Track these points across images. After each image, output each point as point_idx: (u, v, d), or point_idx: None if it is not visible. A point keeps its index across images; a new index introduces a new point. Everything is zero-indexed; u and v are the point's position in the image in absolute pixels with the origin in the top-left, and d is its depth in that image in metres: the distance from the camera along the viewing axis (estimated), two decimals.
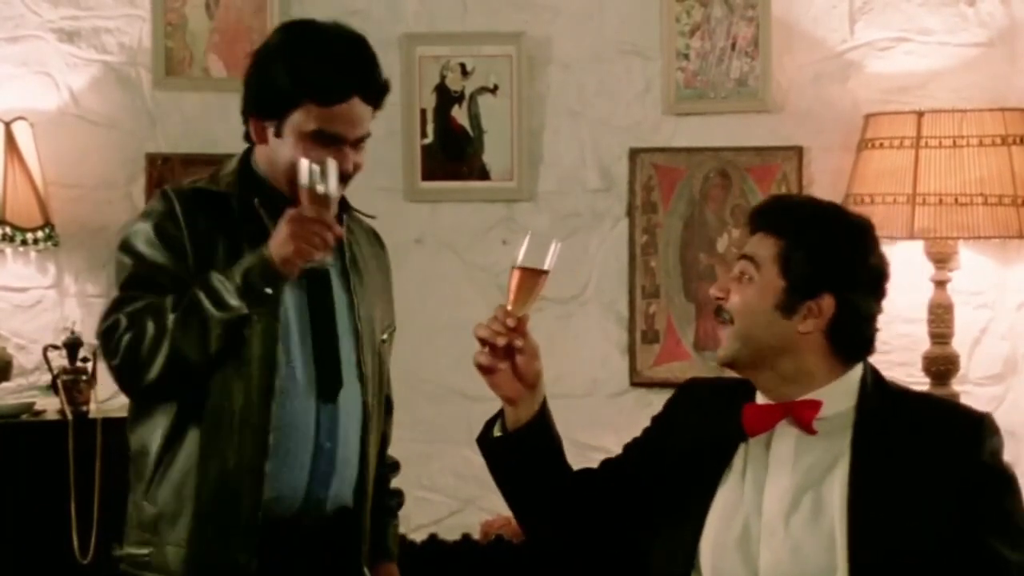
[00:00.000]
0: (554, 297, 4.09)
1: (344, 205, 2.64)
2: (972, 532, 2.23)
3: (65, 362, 3.86)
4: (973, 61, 4.01)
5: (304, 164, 2.46)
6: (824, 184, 4.01)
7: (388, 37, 4.02)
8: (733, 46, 4.07)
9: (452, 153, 4.10)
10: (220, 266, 2.51)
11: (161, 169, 4.08)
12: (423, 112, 4.08)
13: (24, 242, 3.91)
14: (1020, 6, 4.00)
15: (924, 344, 3.89)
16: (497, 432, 2.41)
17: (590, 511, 2.45)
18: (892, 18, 4.05)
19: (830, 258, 2.32)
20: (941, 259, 3.87)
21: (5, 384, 3.93)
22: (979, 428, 2.30)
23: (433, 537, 3.87)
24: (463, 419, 4.03)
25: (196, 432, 2.53)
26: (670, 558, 2.34)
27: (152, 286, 2.51)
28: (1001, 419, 3.72)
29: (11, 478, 3.71)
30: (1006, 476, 2.30)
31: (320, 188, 2.45)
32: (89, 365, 3.87)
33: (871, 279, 2.35)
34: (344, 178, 2.55)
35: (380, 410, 2.73)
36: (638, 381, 4.09)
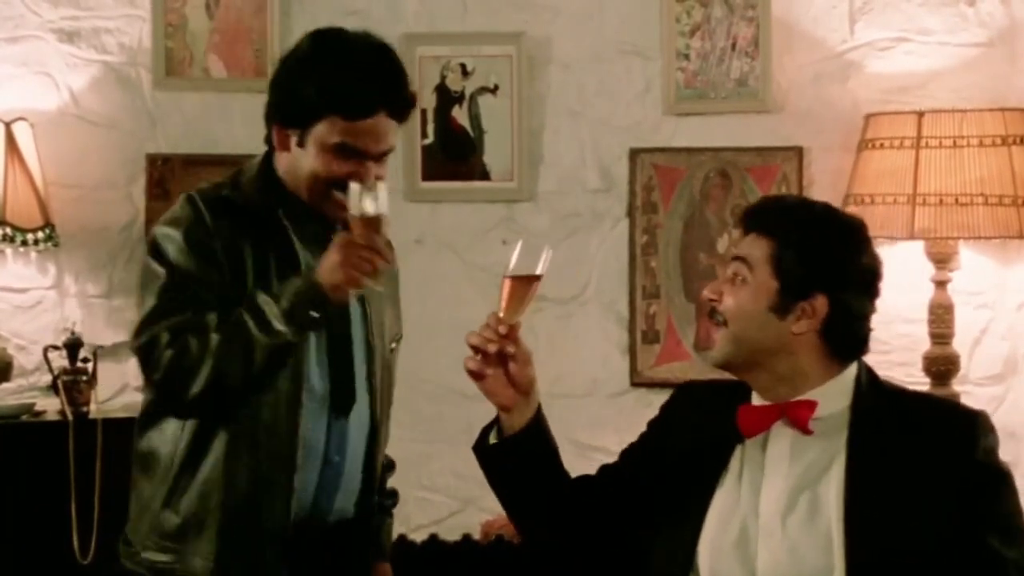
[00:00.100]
0: (554, 297, 4.09)
1: None
2: (968, 530, 2.23)
3: (65, 363, 3.86)
4: (973, 61, 4.01)
5: (355, 188, 2.43)
6: (824, 184, 4.01)
7: (388, 37, 3.94)
8: (733, 46, 4.07)
9: (452, 153, 4.10)
10: (250, 274, 2.50)
11: (161, 169, 4.09)
12: (423, 112, 4.08)
13: (24, 242, 3.91)
14: (1020, 6, 4.00)
15: (924, 344, 3.89)
16: (493, 439, 2.41)
17: (588, 516, 2.45)
18: (892, 18, 4.05)
19: (822, 258, 2.32)
20: (941, 259, 3.87)
21: (5, 385, 3.93)
22: (974, 426, 2.30)
23: (433, 537, 3.87)
24: (463, 419, 4.03)
25: (221, 442, 2.51)
26: (668, 560, 2.34)
27: (188, 295, 2.48)
28: (1001, 419, 3.74)
29: (11, 479, 3.72)
30: (1002, 474, 2.30)
31: (370, 211, 2.42)
32: (89, 366, 3.87)
33: (864, 278, 2.35)
34: None
35: (387, 423, 2.73)
36: (638, 381, 4.09)
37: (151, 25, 4.12)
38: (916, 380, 3.82)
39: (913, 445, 2.28)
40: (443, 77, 4.10)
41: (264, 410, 2.51)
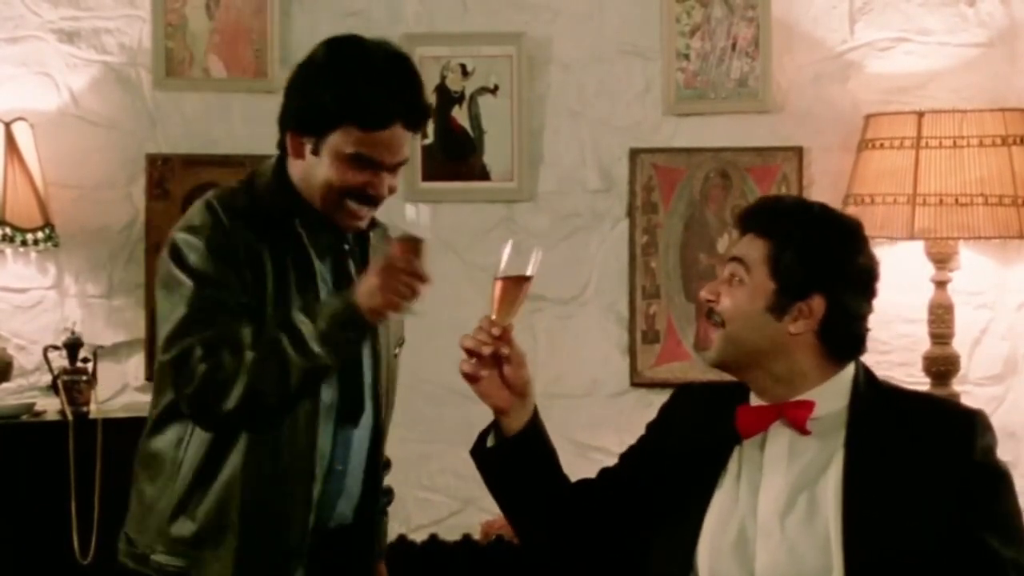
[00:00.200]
0: (554, 297, 4.09)
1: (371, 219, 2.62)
2: (966, 529, 2.23)
3: (65, 363, 3.86)
4: (973, 61, 4.01)
5: (409, 211, 2.42)
6: (824, 184, 4.01)
7: (388, 37, 4.00)
8: (733, 46, 4.07)
9: (452, 153, 4.10)
10: (269, 280, 2.48)
11: (161, 169, 4.09)
12: None
13: (24, 243, 3.91)
14: (1020, 6, 4.00)
15: (924, 344, 3.89)
16: (490, 443, 2.42)
17: (588, 519, 2.45)
18: (892, 18, 4.05)
19: (819, 259, 2.32)
20: (941, 259, 3.87)
21: (5, 385, 3.93)
22: (972, 425, 2.30)
23: (433, 537, 3.87)
24: (463, 419, 4.01)
25: (239, 451, 2.50)
26: (667, 561, 2.34)
27: (217, 305, 2.45)
28: (1001, 419, 3.74)
29: (11, 479, 3.71)
30: (999, 473, 2.30)
31: (413, 235, 2.40)
32: (89, 366, 3.87)
33: (861, 279, 2.36)
34: (378, 201, 2.54)
35: (387, 428, 2.73)
36: (638, 381, 4.09)
37: (151, 25, 4.12)
38: (916, 380, 3.82)
39: (911, 445, 2.28)
40: (443, 77, 4.10)
41: (285, 419, 2.50)
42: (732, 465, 2.35)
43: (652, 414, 2.54)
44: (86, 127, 4.12)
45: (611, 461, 2.54)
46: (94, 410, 3.83)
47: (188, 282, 2.46)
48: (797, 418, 2.31)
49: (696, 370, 3.93)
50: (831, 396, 2.33)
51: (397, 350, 2.74)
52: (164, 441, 2.55)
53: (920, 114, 3.82)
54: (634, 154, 4.10)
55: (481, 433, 2.45)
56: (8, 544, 3.68)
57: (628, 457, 2.51)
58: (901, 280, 3.83)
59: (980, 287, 4.01)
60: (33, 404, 3.90)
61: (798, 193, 3.99)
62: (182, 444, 2.53)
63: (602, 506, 2.45)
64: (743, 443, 2.35)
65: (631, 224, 4.11)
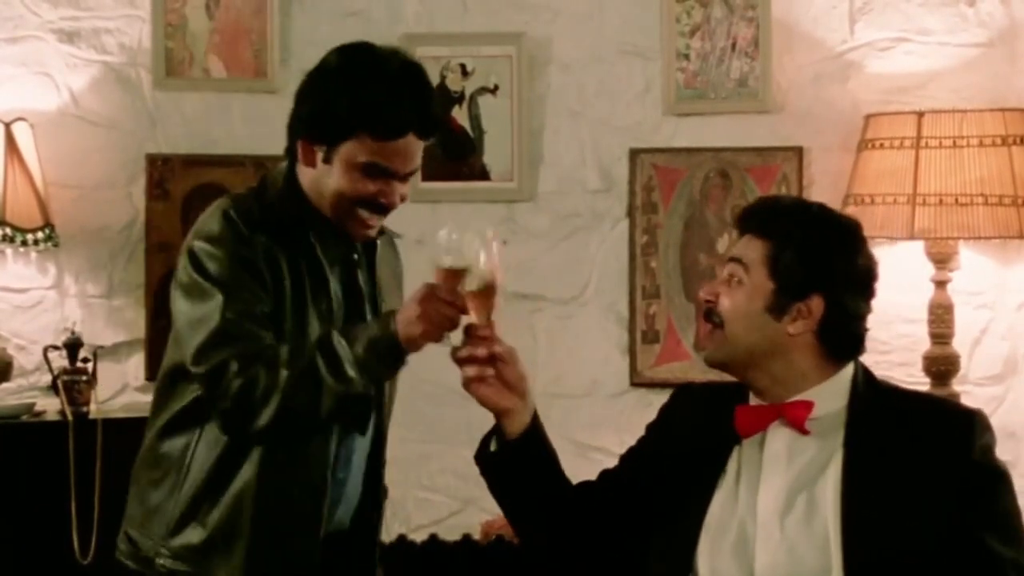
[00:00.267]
0: (554, 297, 4.10)
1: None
2: (965, 529, 2.23)
3: (65, 363, 3.86)
4: (973, 61, 4.01)
5: (442, 237, 2.37)
6: (824, 184, 4.01)
7: (388, 37, 4.00)
8: (733, 46, 4.07)
9: (452, 154, 4.10)
10: (287, 290, 2.47)
11: (161, 169, 4.09)
12: None
13: (24, 243, 3.91)
14: (1020, 6, 4.00)
15: (924, 344, 3.89)
16: (493, 447, 2.42)
17: (589, 521, 2.45)
18: (892, 18, 4.05)
19: (818, 259, 2.32)
20: (941, 259, 3.87)
21: (5, 385, 3.93)
22: (971, 425, 2.30)
23: (433, 537, 3.87)
24: (463, 419, 4.01)
25: (253, 462, 2.50)
26: (668, 562, 2.34)
27: (247, 316, 2.43)
28: (1001, 419, 3.74)
29: (11, 479, 3.72)
30: (998, 472, 2.30)
31: (455, 264, 2.34)
32: (89, 366, 3.87)
33: (860, 279, 2.36)
34: (389, 210, 2.53)
35: (387, 435, 2.72)
36: (638, 381, 4.09)
37: (151, 25, 4.12)
38: (916, 380, 3.82)
39: (910, 444, 2.28)
40: (443, 77, 4.10)
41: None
42: (731, 465, 2.35)
43: (652, 414, 2.54)
44: (86, 127, 4.12)
45: (611, 461, 2.54)
46: (94, 410, 3.83)
47: (216, 292, 2.43)
48: (796, 418, 2.31)
49: (696, 370, 3.93)
50: (830, 396, 2.34)
51: None
52: (172, 445, 2.55)
53: (920, 114, 3.82)
54: (634, 154, 4.10)
55: (483, 438, 2.45)
56: (8, 544, 3.68)
57: (628, 458, 2.52)
58: (901, 280, 3.83)
59: (980, 287, 4.01)
60: (33, 404, 3.90)
61: (798, 193, 3.99)
62: (188, 449, 2.53)
63: (603, 507, 2.45)
64: (742, 443, 2.35)
65: (631, 224, 4.11)
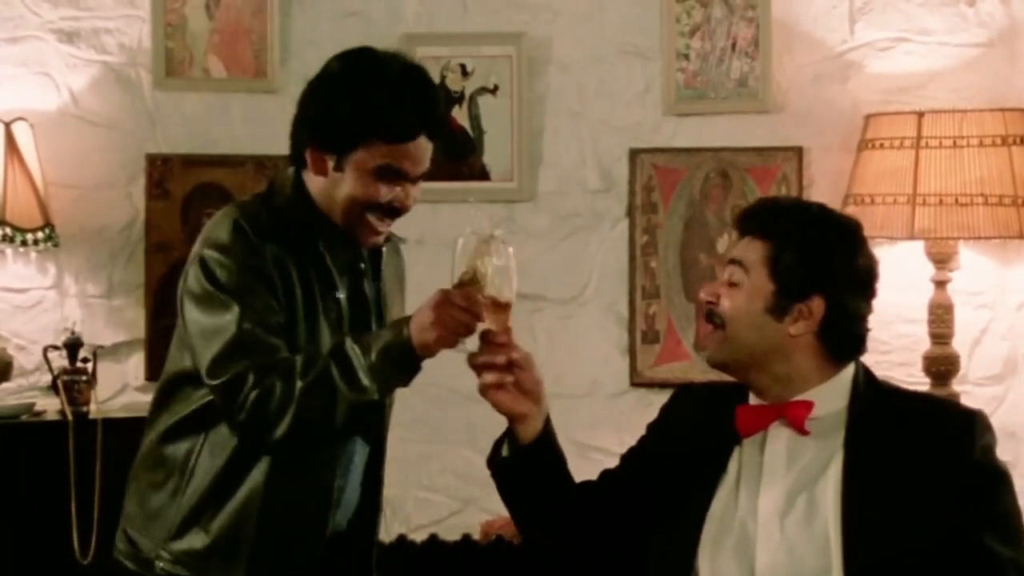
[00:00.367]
0: (554, 297, 4.10)
1: None
2: (965, 530, 2.23)
3: (65, 363, 3.86)
4: (973, 61, 4.01)
5: (460, 244, 2.37)
6: (824, 185, 4.01)
7: (388, 37, 4.02)
8: (733, 46, 4.07)
9: (452, 154, 4.10)
10: (299, 299, 2.47)
11: (161, 169, 4.09)
12: None
13: (24, 243, 3.91)
14: (1020, 6, 4.00)
15: (924, 344, 3.89)
16: (505, 452, 2.41)
17: (592, 521, 2.45)
18: (892, 18, 4.05)
19: (818, 260, 2.32)
20: (941, 259, 3.87)
21: (5, 385, 3.93)
22: (971, 426, 2.30)
23: (433, 537, 3.87)
24: (463, 419, 4.04)
25: (262, 467, 2.49)
26: (669, 562, 2.34)
27: (262, 326, 2.42)
28: (1001, 419, 3.74)
29: (11, 479, 3.71)
30: (999, 473, 2.30)
31: (471, 271, 2.34)
32: (89, 365, 3.87)
33: (860, 279, 2.36)
34: (402, 213, 2.53)
35: (387, 440, 2.72)
36: (638, 381, 4.09)
37: (151, 25, 4.12)
38: (916, 380, 3.82)
39: (910, 445, 2.28)
40: (443, 77, 4.10)
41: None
42: (732, 465, 2.35)
43: (652, 414, 2.54)
44: (86, 127, 4.12)
45: (611, 461, 2.54)
46: (94, 410, 3.83)
47: (232, 303, 2.42)
48: (796, 418, 2.31)
49: (696, 370, 3.93)
50: (830, 396, 2.34)
51: None
52: (175, 449, 2.54)
53: (920, 114, 3.82)
54: (634, 154, 4.10)
55: (495, 443, 2.44)
56: (8, 544, 3.68)
57: (629, 458, 2.52)
58: (901, 280, 3.83)
59: (980, 287, 4.01)
60: (33, 404, 3.90)
61: (798, 193, 3.99)
62: (192, 454, 2.52)
63: (604, 507, 2.45)
64: (743, 444, 2.35)
65: (631, 224, 4.10)
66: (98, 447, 3.70)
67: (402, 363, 2.39)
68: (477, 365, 2.34)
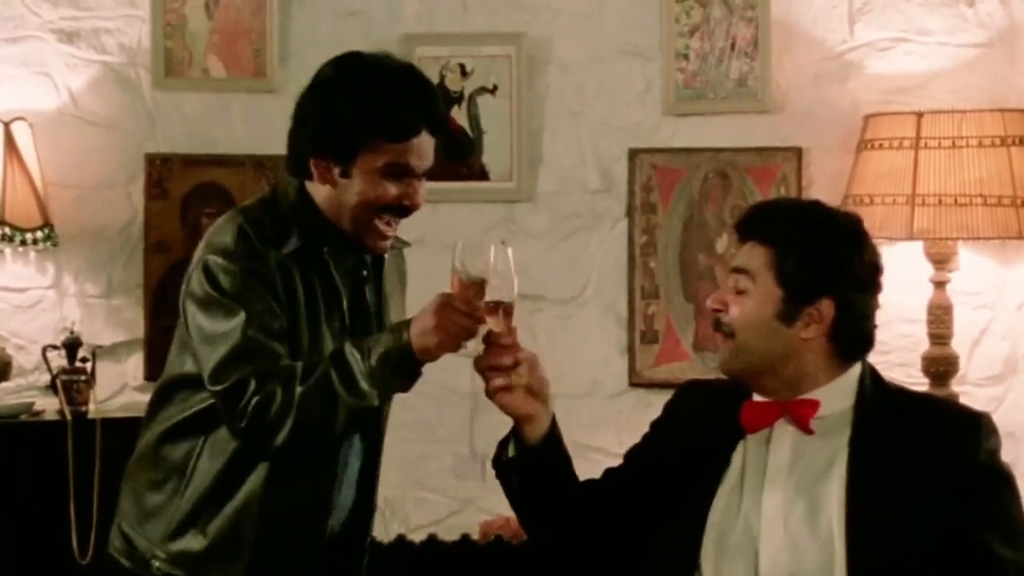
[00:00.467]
0: (554, 297, 4.10)
1: None
2: (969, 531, 2.23)
3: (64, 362, 3.86)
4: (973, 62, 4.01)
5: (458, 248, 2.36)
6: (824, 185, 4.01)
7: (388, 38, 4.02)
8: (732, 47, 4.07)
9: (451, 154, 4.09)
10: (301, 306, 2.47)
11: (160, 169, 4.09)
12: None
13: (23, 242, 3.91)
14: (1019, 6, 4.00)
15: (923, 345, 3.89)
16: (512, 453, 2.41)
17: (597, 520, 2.45)
18: (892, 18, 4.05)
19: (824, 263, 2.32)
20: (940, 260, 3.87)
21: (4, 384, 3.93)
22: (977, 427, 2.30)
23: (432, 537, 3.87)
24: (463, 419, 4.05)
25: (260, 471, 2.49)
26: (672, 559, 2.34)
27: (266, 332, 2.42)
28: (1001, 420, 3.72)
29: (11, 478, 3.72)
30: (1003, 475, 2.30)
31: (473, 274, 2.33)
32: (88, 365, 3.87)
33: (866, 277, 2.35)
34: (411, 211, 2.53)
35: (383, 442, 2.71)
36: (637, 382, 4.09)
37: (150, 25, 4.12)
38: (915, 381, 3.82)
39: (915, 446, 2.28)
40: (442, 77, 4.10)
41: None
42: (736, 461, 2.35)
43: (651, 414, 2.54)
44: (86, 127, 4.12)
45: (610, 461, 2.54)
46: (93, 410, 3.83)
47: (236, 309, 2.42)
48: (801, 416, 2.31)
49: (695, 370, 3.93)
50: (836, 396, 2.33)
51: None
52: (174, 450, 2.54)
53: (919, 114, 3.82)
54: (633, 154, 4.10)
55: (500, 443, 2.44)
56: (7, 544, 3.68)
57: (632, 456, 2.51)
58: (900, 280, 3.82)
59: (979, 287, 4.01)
60: (32, 404, 3.90)
61: (797, 194, 3.99)
62: (192, 456, 2.52)
63: (610, 506, 2.45)
64: (748, 441, 2.34)
65: (630, 224, 4.10)
66: (97, 447, 3.70)
67: (402, 368, 2.38)
68: (483, 368, 2.34)
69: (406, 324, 2.39)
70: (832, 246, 2.33)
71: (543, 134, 4.13)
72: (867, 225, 2.42)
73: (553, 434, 2.40)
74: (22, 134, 3.92)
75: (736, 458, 2.35)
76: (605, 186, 4.13)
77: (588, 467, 2.52)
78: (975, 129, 3.77)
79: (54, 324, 4.04)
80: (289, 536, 2.53)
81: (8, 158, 3.88)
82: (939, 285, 3.87)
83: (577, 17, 4.12)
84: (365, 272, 2.60)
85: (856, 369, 2.36)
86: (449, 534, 3.87)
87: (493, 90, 4.11)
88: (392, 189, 2.48)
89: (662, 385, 3.91)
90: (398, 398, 2.77)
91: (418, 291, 3.96)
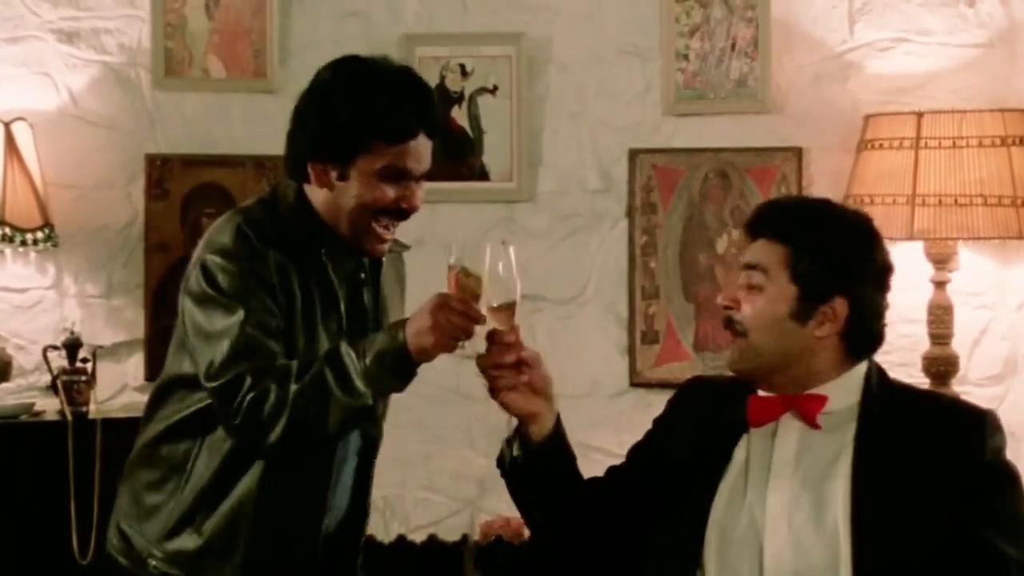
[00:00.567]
0: (554, 297, 4.10)
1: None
2: (973, 529, 2.23)
3: (64, 363, 3.86)
4: (973, 62, 4.01)
5: (455, 247, 2.36)
6: (823, 185, 4.01)
7: (388, 38, 4.03)
8: (733, 47, 4.07)
9: (452, 154, 4.10)
10: (298, 307, 2.47)
11: (160, 169, 4.09)
12: None
13: (24, 242, 3.91)
14: (1020, 7, 4.00)
15: (924, 345, 3.89)
16: (516, 452, 2.40)
17: (601, 517, 2.45)
18: (892, 19, 4.05)
19: (839, 261, 2.31)
20: (941, 260, 3.87)
21: (5, 385, 3.93)
22: (982, 425, 2.30)
23: (433, 537, 3.87)
24: (463, 419, 4.05)
25: (253, 476, 2.49)
26: (674, 555, 2.33)
27: (264, 331, 2.42)
28: (1001, 419, 3.72)
29: (11, 479, 3.72)
30: (1008, 473, 2.30)
31: (470, 276, 2.32)
32: (88, 366, 3.87)
33: (879, 275, 2.36)
34: (409, 214, 2.53)
35: (380, 443, 2.71)
36: (638, 382, 4.09)
37: (150, 25, 4.12)
38: (916, 380, 3.81)
39: (921, 443, 2.28)
40: (442, 77, 4.10)
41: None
42: (739, 454, 2.34)
43: (652, 414, 2.54)
44: (86, 127, 4.12)
45: (611, 461, 2.54)
46: (93, 410, 3.83)
47: (235, 307, 2.42)
48: (808, 411, 2.30)
49: (696, 370, 3.93)
50: (843, 392, 2.33)
51: None
52: (173, 449, 2.55)
53: (919, 114, 3.82)
54: (633, 154, 4.10)
55: (504, 442, 2.43)
56: (8, 544, 3.68)
57: (636, 452, 2.51)
58: (901, 280, 3.77)
59: (979, 287, 4.01)
60: (32, 404, 3.90)
61: (797, 194, 3.99)
62: (190, 455, 2.53)
63: (614, 503, 2.44)
64: (752, 436, 2.34)
65: (630, 224, 4.11)
66: (97, 447, 3.70)
67: (397, 368, 2.38)
68: (487, 367, 2.33)
69: (402, 324, 2.39)
70: (848, 245, 2.33)
71: (543, 134, 4.14)
72: None
73: (558, 432, 2.40)
74: (22, 134, 3.92)
75: (739, 453, 2.34)
76: (605, 186, 4.13)
77: (589, 467, 2.52)
78: (975, 129, 3.77)
79: (54, 324, 4.04)
80: (284, 535, 2.54)
81: (8, 158, 3.88)
82: (939, 285, 3.88)
83: (577, 17, 4.12)
84: (363, 275, 2.60)
85: (863, 366, 2.36)
86: (449, 534, 3.87)
87: (493, 90, 4.12)
88: (390, 192, 2.48)
89: (663, 385, 3.91)
90: (398, 398, 2.77)
91: (418, 291, 3.96)
